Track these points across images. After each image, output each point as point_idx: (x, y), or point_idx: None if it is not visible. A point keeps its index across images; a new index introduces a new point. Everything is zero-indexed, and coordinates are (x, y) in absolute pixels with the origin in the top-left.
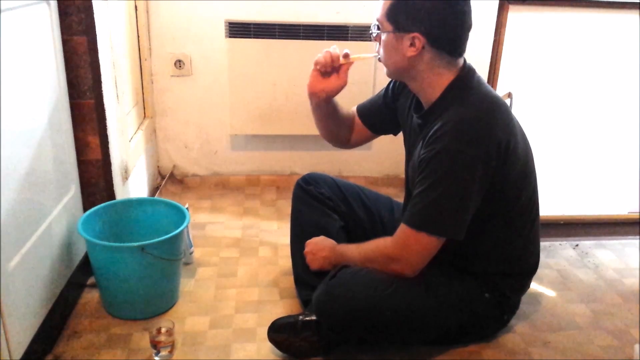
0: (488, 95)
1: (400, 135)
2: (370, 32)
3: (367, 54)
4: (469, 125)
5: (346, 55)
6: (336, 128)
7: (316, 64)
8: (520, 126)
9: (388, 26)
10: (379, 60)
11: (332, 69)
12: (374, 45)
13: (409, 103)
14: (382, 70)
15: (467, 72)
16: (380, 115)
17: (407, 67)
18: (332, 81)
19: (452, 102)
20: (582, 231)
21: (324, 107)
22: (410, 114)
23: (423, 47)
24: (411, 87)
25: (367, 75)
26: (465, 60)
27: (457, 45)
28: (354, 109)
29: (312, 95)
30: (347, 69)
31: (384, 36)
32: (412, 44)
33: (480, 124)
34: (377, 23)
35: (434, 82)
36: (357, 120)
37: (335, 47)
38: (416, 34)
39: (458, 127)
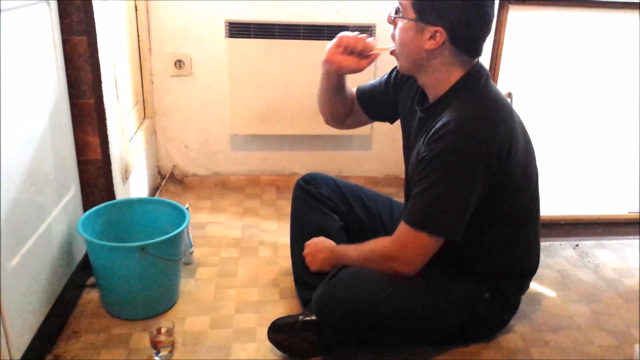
0: (493, 96)
1: (401, 135)
2: (389, 13)
3: (388, 45)
4: (471, 125)
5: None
6: (337, 104)
7: (340, 40)
8: (523, 127)
9: (411, 13)
10: (391, 53)
11: (355, 52)
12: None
13: (411, 96)
14: (382, 69)
15: (478, 71)
16: (380, 102)
17: (421, 59)
18: (351, 61)
19: (457, 100)
20: (582, 231)
21: (333, 78)
22: (412, 108)
23: (443, 43)
24: (420, 80)
25: (367, 72)
26: (478, 60)
27: (476, 46)
28: (354, 90)
29: (326, 63)
30: (372, 60)
31: (403, 22)
32: (433, 37)
33: (483, 125)
34: (398, 6)
35: (444, 78)
36: (356, 103)
37: (366, 36)
38: (439, 29)
39: (460, 127)
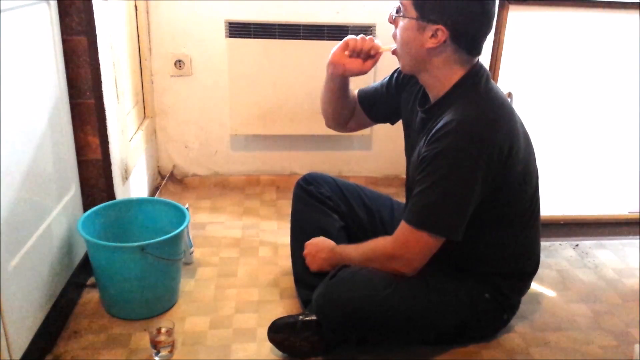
0: (495, 95)
1: (401, 135)
2: (390, 12)
3: (391, 45)
4: (473, 125)
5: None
6: (340, 107)
7: (347, 43)
8: (524, 127)
9: (412, 12)
10: (392, 53)
11: (362, 54)
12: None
13: (413, 97)
14: (382, 69)
15: (478, 71)
16: (382, 104)
17: (423, 58)
18: (356, 64)
19: (458, 99)
20: (582, 231)
21: (338, 81)
22: (414, 109)
23: (444, 41)
24: (422, 79)
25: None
26: (478, 59)
27: (476, 45)
28: (356, 92)
29: (331, 65)
30: (377, 60)
31: (404, 21)
32: (434, 36)
33: (485, 124)
34: (399, 5)
35: (445, 77)
36: (357, 105)
37: (372, 37)
38: (440, 27)
39: (462, 127)
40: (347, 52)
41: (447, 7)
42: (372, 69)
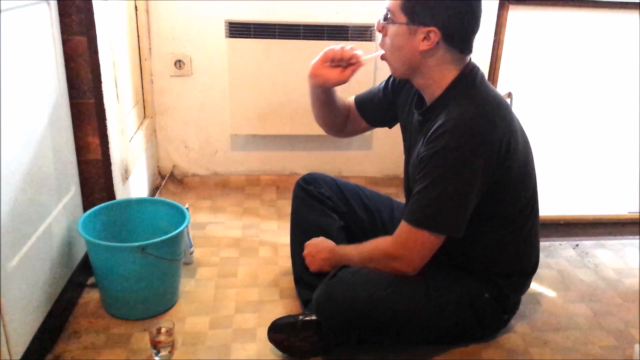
0: (490, 93)
1: (401, 134)
2: (378, 20)
3: (373, 54)
4: (470, 123)
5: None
6: (330, 115)
7: (326, 54)
8: (520, 126)
9: (402, 18)
10: (382, 58)
11: (339, 63)
12: (373, 45)
13: (409, 100)
14: (382, 70)
15: (471, 70)
16: (379, 109)
17: (416, 61)
18: (335, 74)
19: (454, 99)
20: (582, 231)
21: (320, 93)
22: (410, 112)
23: (437, 43)
24: (416, 83)
25: (367, 75)
26: (470, 58)
27: (467, 43)
28: (351, 99)
29: (311, 77)
30: (355, 69)
31: (394, 27)
32: (426, 38)
33: (482, 122)
34: (387, 12)
35: (439, 78)
36: (354, 111)
37: (353, 47)
38: (432, 29)
39: (460, 125)
40: (327, 63)
41: (436, 9)
42: (372, 74)
